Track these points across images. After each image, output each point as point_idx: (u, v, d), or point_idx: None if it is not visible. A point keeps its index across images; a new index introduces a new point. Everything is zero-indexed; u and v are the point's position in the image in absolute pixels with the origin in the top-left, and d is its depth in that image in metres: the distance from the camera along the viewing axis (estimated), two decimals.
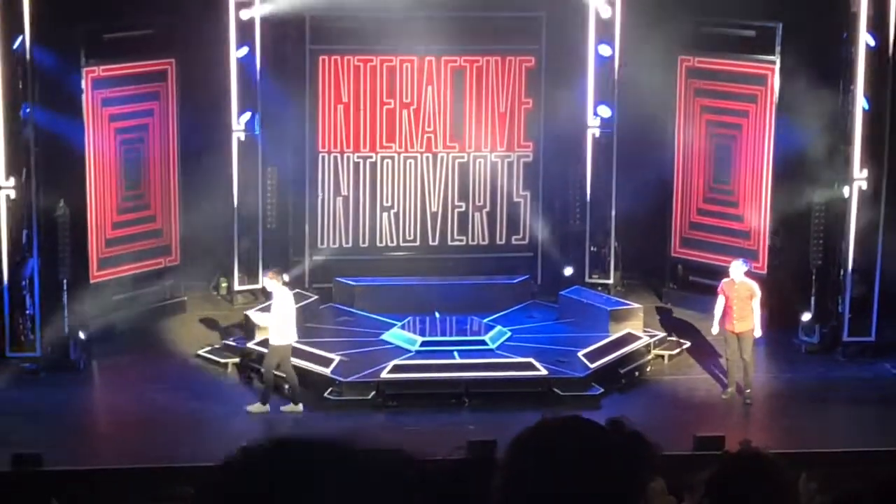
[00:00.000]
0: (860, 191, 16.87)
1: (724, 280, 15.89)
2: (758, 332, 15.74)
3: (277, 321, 15.25)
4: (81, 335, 16.61)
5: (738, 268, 15.82)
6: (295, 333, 15.40)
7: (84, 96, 16.99)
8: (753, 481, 3.55)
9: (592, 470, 2.63)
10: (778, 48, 17.49)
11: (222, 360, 16.62)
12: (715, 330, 15.98)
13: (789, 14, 17.15)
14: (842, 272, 17.02)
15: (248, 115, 17.85)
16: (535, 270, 18.99)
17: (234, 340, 16.97)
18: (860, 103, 16.73)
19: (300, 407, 15.29)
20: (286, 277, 16.04)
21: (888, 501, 2.91)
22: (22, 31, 16.03)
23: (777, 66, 17.51)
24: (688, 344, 17.34)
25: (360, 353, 16.46)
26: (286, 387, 15.44)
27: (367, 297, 18.11)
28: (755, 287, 15.78)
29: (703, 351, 17.12)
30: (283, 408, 15.31)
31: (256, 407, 15.27)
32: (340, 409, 15.43)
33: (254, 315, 16.13)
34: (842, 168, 16.95)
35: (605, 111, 18.37)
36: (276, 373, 15.33)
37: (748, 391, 15.75)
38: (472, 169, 18.91)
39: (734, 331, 15.68)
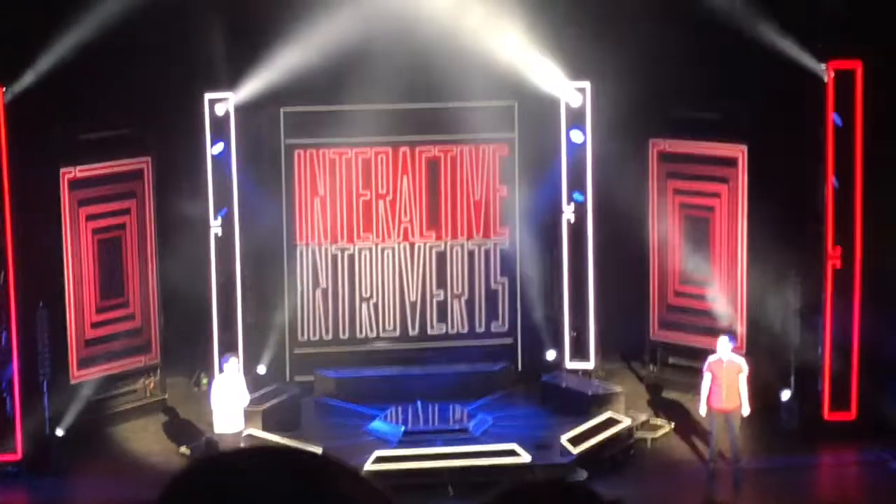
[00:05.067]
0: (834, 269, 17.02)
1: (711, 358, 15.86)
2: (746, 410, 15.65)
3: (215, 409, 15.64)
4: (59, 433, 16.56)
5: (724, 345, 15.84)
6: (226, 423, 15.47)
7: (61, 197, 17.07)
8: None
9: None
10: (747, 129, 17.72)
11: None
12: (703, 411, 15.88)
13: (757, 96, 17.38)
14: (820, 350, 17.10)
15: (224, 211, 17.88)
16: (515, 356, 19.02)
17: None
18: (830, 182, 16.93)
19: None
20: (223, 367, 15.98)
21: None
22: None
23: (746, 148, 17.72)
24: (671, 425, 17.37)
25: (344, 445, 16.41)
26: None
27: (349, 388, 18.09)
28: (743, 363, 15.78)
29: (688, 431, 17.13)
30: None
31: None
32: None
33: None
34: (815, 246, 17.10)
35: (579, 196, 18.51)
36: None
37: (740, 462, 15.67)
38: (449, 257, 19.00)
39: (722, 408, 15.60)
